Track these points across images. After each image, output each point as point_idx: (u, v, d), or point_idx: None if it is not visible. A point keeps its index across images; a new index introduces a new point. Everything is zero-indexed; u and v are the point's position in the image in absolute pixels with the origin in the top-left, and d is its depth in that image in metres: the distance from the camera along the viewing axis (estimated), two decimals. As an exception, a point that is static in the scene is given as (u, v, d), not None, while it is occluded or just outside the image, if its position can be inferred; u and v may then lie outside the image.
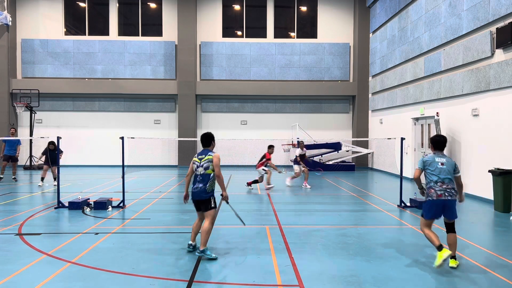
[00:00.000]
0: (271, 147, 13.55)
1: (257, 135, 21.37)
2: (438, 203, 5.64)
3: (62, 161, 10.54)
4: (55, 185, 12.80)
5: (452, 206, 5.65)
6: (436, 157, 5.85)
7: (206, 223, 6.04)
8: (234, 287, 4.94)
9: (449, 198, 5.61)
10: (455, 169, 5.79)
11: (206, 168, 6.04)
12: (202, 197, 6.08)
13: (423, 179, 5.99)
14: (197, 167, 6.09)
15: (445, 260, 5.29)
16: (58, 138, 9.91)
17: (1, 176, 14.82)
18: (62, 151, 13.17)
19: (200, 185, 6.04)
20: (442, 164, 5.76)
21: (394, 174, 16.75)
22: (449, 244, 5.63)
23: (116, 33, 21.53)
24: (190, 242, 6.30)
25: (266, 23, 21.75)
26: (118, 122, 21.53)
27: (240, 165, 19.54)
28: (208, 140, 6.27)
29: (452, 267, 5.52)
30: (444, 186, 5.64)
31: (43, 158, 14.69)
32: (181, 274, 5.31)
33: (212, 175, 6.06)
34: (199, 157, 6.15)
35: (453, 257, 5.55)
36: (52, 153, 13.72)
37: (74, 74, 21.30)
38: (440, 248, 5.39)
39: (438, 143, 5.95)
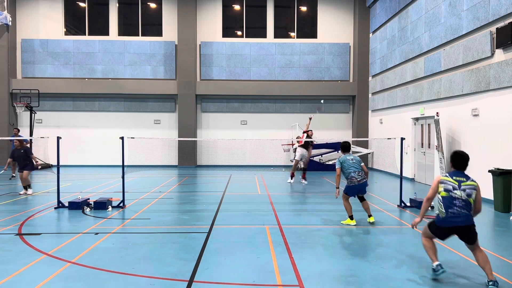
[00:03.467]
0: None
1: (257, 135, 21.38)
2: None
3: (62, 161, 10.50)
4: (23, 194, 11.66)
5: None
6: (347, 156, 8.27)
7: (482, 252, 5.08)
8: (234, 287, 4.94)
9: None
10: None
11: (469, 195, 5.12)
12: (466, 223, 5.03)
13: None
14: (454, 188, 5.11)
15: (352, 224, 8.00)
16: (58, 138, 9.91)
17: (14, 175, 15.05)
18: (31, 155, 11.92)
19: (462, 211, 5.01)
20: (352, 159, 8.21)
21: (394, 174, 16.75)
22: (366, 209, 8.45)
23: (116, 33, 21.53)
24: (437, 263, 5.19)
25: (266, 23, 21.75)
26: (118, 122, 21.53)
27: (240, 165, 19.54)
28: (460, 160, 5.30)
29: (370, 222, 8.25)
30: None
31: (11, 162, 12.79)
32: (181, 274, 5.31)
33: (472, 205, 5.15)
34: (454, 178, 5.19)
35: (369, 216, 8.37)
36: (18, 153, 11.92)
37: (74, 74, 21.30)
38: (351, 217, 8.22)
39: (346, 148, 8.45)
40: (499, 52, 10.56)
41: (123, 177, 10.24)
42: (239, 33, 22.08)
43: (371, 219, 8.30)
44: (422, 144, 15.18)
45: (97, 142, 21.31)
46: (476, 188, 5.18)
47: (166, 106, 21.68)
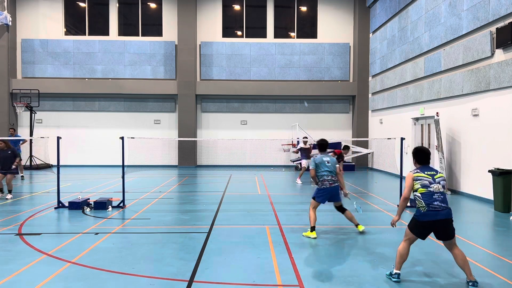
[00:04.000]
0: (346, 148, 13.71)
1: (257, 135, 21.37)
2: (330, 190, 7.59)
3: (62, 161, 10.49)
4: (10, 198, 10.94)
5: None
6: (323, 157, 7.63)
7: (460, 251, 5.11)
8: (234, 287, 4.94)
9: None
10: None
11: (444, 187, 5.19)
12: (446, 217, 5.07)
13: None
14: (430, 183, 5.14)
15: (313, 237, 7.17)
16: (58, 138, 9.91)
17: (22, 175, 15.12)
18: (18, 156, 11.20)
19: (442, 204, 5.09)
20: (328, 162, 7.59)
21: (394, 174, 16.75)
22: (350, 218, 7.71)
23: (116, 33, 21.53)
24: (397, 271, 5.20)
25: (266, 23, 21.74)
26: (118, 122, 21.53)
27: (240, 165, 19.54)
28: (425, 156, 5.36)
29: (360, 232, 7.57)
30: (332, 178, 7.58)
31: None
32: (181, 274, 5.31)
33: None
34: (426, 173, 5.22)
35: (357, 225, 7.69)
36: (5, 154, 11.10)
37: (74, 74, 21.30)
38: (313, 229, 7.28)
39: (324, 146, 7.86)
40: (499, 52, 10.56)
41: (123, 177, 10.24)
42: (239, 33, 22.08)
43: (360, 228, 7.62)
44: (422, 144, 15.18)
45: (97, 142, 21.31)
46: (445, 179, 5.44)
47: (166, 106, 21.68)
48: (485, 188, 10.84)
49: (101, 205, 9.52)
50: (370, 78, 20.94)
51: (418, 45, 15.09)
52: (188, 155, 20.97)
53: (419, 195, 5.11)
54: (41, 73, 21.25)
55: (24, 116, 20.94)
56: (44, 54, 21.23)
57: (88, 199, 9.98)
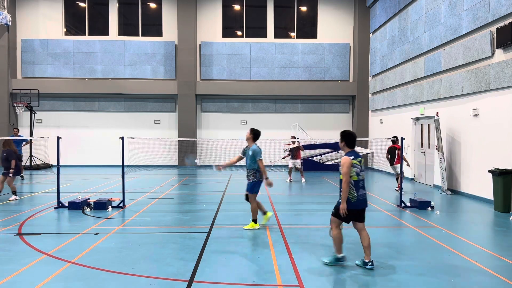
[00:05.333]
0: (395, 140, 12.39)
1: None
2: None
3: (62, 161, 10.48)
4: (12, 199, 10.80)
5: None
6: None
7: (367, 234, 5.57)
8: (234, 287, 4.94)
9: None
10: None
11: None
12: (367, 205, 5.54)
13: None
14: (360, 171, 5.42)
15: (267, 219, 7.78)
16: (58, 138, 9.91)
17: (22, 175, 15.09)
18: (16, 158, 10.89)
19: (365, 192, 5.47)
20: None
21: (394, 174, 16.74)
22: (259, 207, 7.84)
23: (116, 33, 21.53)
24: (342, 254, 5.62)
25: (266, 23, 21.74)
26: (118, 122, 21.53)
27: (240, 165, 19.50)
28: (355, 139, 5.66)
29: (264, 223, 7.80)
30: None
31: None
32: (181, 274, 5.31)
33: None
34: (357, 159, 5.46)
35: (264, 213, 7.88)
36: (4, 156, 10.85)
37: (74, 74, 21.30)
38: (265, 213, 7.84)
39: (258, 135, 7.84)
40: (499, 52, 10.56)
41: (123, 177, 10.24)
42: (239, 33, 22.08)
43: (265, 219, 7.83)
44: (422, 144, 15.18)
45: (97, 142, 21.31)
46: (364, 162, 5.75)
47: (166, 106, 21.68)
48: (485, 188, 10.84)
49: (101, 205, 9.52)
50: (370, 78, 20.94)
51: (418, 45, 15.09)
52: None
53: (353, 182, 5.36)
54: (41, 73, 21.24)
55: (24, 116, 20.94)
56: (44, 54, 21.23)
57: (88, 199, 9.98)
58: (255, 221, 7.73)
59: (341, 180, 5.41)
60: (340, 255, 5.59)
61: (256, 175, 7.66)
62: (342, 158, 5.49)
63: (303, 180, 15.25)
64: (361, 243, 5.57)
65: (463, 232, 7.74)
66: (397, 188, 12.62)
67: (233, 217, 8.86)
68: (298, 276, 5.25)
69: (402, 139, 10.63)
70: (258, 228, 7.69)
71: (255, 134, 7.85)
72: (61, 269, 5.46)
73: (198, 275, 5.27)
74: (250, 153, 7.67)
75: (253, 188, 7.71)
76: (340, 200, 5.46)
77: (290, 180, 15.22)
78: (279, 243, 6.79)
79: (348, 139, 5.60)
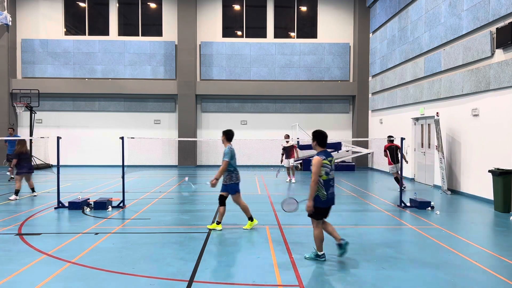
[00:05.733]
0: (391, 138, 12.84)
1: (257, 135, 21.37)
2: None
3: (62, 161, 10.49)
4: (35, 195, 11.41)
5: None
6: (234, 150, 7.56)
7: (330, 224, 5.98)
8: (234, 287, 4.94)
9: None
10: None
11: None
12: (334, 203, 5.81)
13: None
14: (330, 170, 5.63)
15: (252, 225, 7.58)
16: (58, 138, 9.91)
17: (12, 176, 14.91)
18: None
19: (334, 190, 5.74)
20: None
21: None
22: (221, 212, 7.68)
23: (116, 33, 21.53)
24: (322, 252, 5.88)
25: (266, 23, 21.75)
26: (118, 122, 21.53)
27: (240, 165, 19.47)
28: (326, 138, 5.84)
29: (248, 228, 7.60)
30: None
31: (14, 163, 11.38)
32: (181, 274, 5.31)
33: None
34: (328, 159, 5.64)
35: (249, 218, 7.72)
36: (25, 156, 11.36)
37: (74, 74, 21.30)
38: (251, 219, 7.71)
39: (231, 136, 7.72)
40: (499, 52, 10.56)
41: (123, 177, 10.24)
42: (239, 33, 22.08)
43: (249, 225, 7.70)
44: (422, 144, 15.18)
45: (97, 142, 21.31)
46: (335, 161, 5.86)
47: (166, 106, 21.68)
48: (485, 188, 10.85)
49: (101, 205, 9.52)
50: (370, 78, 20.94)
51: (418, 45, 15.09)
52: (188, 155, 20.96)
53: (322, 181, 5.58)
54: (41, 73, 21.25)
55: (24, 116, 20.94)
56: (44, 54, 21.23)
57: (88, 199, 9.98)
58: (250, 218, 7.76)
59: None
60: (320, 253, 5.83)
61: (232, 176, 7.55)
62: (313, 157, 5.65)
63: (293, 180, 15.01)
64: (327, 231, 5.89)
65: (463, 232, 7.74)
66: (403, 188, 12.33)
67: (233, 217, 8.86)
68: (298, 276, 5.25)
69: (402, 139, 10.63)
70: (257, 223, 7.79)
71: (226, 135, 7.73)
72: (61, 269, 5.46)
73: (198, 275, 5.27)
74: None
75: (232, 190, 7.61)
76: (306, 200, 5.68)
77: (289, 180, 15.09)
78: (279, 243, 6.79)
79: (319, 138, 5.76)
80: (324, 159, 5.58)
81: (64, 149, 14.31)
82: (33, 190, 11.54)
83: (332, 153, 20.07)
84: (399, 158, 11.94)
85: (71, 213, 9.20)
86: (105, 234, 7.32)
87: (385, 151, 13.07)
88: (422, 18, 14.79)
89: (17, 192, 11.01)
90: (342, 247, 5.80)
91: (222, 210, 7.67)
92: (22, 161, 11.20)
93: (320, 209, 5.69)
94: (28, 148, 11.61)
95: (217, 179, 7.40)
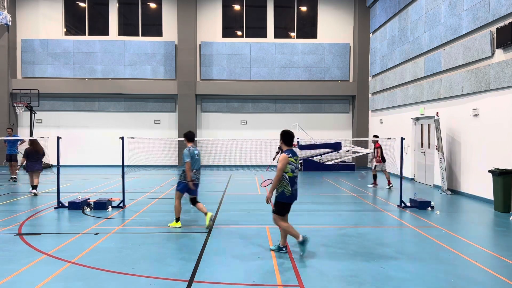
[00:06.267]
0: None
1: (257, 135, 21.37)
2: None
3: (62, 161, 10.50)
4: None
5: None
6: (195, 150, 7.86)
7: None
8: (234, 287, 4.94)
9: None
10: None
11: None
12: (296, 198, 6.17)
13: None
14: (295, 168, 5.98)
15: (211, 219, 7.73)
16: (58, 138, 9.91)
17: (12, 176, 14.92)
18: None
19: (297, 186, 6.06)
20: (197, 155, 7.86)
21: (394, 174, 16.74)
22: (200, 209, 7.89)
23: (116, 33, 21.53)
24: (284, 245, 6.22)
25: (266, 23, 21.75)
26: (118, 122, 21.53)
27: (240, 165, 19.53)
28: (292, 138, 6.20)
29: (209, 223, 7.67)
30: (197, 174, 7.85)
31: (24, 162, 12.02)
32: (181, 274, 5.31)
33: None
34: (294, 157, 6.00)
35: (206, 213, 7.79)
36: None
37: (74, 74, 21.30)
38: (177, 220, 7.84)
39: (191, 137, 7.95)
40: (499, 52, 10.56)
41: (123, 177, 10.24)
42: (239, 33, 22.08)
43: (209, 215, 7.77)
44: (422, 144, 15.18)
45: (97, 142, 21.31)
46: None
47: (166, 106, 21.68)
48: (485, 188, 10.85)
49: (101, 205, 9.52)
50: (370, 78, 20.94)
51: (418, 45, 15.09)
52: (188, 155, 20.93)
53: (288, 178, 5.89)
54: (41, 73, 21.24)
55: (24, 116, 20.94)
56: (44, 54, 21.23)
57: (88, 199, 9.98)
58: (177, 219, 7.91)
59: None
60: (282, 246, 6.20)
61: (181, 176, 7.87)
62: (280, 155, 6.02)
63: None
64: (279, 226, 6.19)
65: (463, 232, 7.74)
66: (390, 186, 13.62)
67: (233, 217, 8.86)
68: (298, 276, 5.25)
69: (402, 139, 10.64)
70: (180, 227, 7.83)
71: (186, 136, 8.04)
72: (61, 269, 5.46)
73: (198, 275, 5.27)
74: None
75: (178, 186, 7.92)
76: (276, 195, 6.00)
77: None
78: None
79: (285, 138, 6.14)
80: (290, 157, 5.94)
81: (64, 149, 14.27)
82: (33, 187, 11.76)
83: (331, 153, 19.99)
84: (384, 157, 13.71)
85: (71, 213, 9.20)
86: (105, 234, 7.32)
87: (378, 148, 13.77)
88: (422, 18, 14.79)
89: (34, 187, 11.72)
90: (304, 236, 6.07)
91: (198, 207, 7.98)
92: (33, 160, 11.72)
93: (284, 204, 6.02)
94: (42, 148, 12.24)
95: (189, 181, 7.70)
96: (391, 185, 13.62)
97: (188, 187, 7.76)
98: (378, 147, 13.73)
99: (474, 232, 7.87)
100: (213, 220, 7.91)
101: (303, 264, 5.72)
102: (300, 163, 19.76)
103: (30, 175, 11.85)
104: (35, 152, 11.79)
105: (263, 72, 21.51)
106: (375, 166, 13.78)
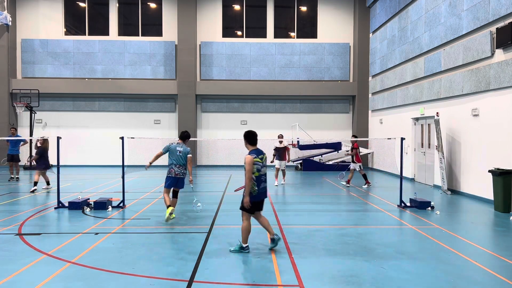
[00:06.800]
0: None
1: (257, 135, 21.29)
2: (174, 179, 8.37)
3: (62, 161, 10.51)
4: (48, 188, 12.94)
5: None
6: (177, 146, 8.36)
7: (264, 217, 6.42)
8: (234, 287, 4.94)
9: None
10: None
11: (266, 167, 6.32)
12: (266, 196, 6.41)
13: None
14: (261, 167, 6.19)
15: (171, 213, 8.03)
16: (58, 138, 9.91)
17: (12, 176, 14.91)
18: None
19: (265, 184, 6.27)
20: (180, 152, 8.35)
21: (394, 174, 16.75)
22: (172, 202, 8.42)
23: (116, 33, 21.54)
24: (246, 244, 6.27)
25: (266, 23, 21.75)
26: (118, 122, 21.53)
27: (240, 165, 19.51)
28: (256, 138, 6.41)
29: (170, 215, 8.07)
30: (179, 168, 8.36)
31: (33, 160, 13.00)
32: (181, 274, 5.31)
33: None
34: (259, 156, 6.21)
35: (169, 206, 8.16)
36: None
37: (74, 74, 21.30)
38: (168, 207, 8.12)
39: (184, 137, 8.55)
40: (499, 52, 10.56)
41: (123, 177, 10.24)
42: (239, 33, 22.08)
43: (168, 212, 8.10)
44: (422, 144, 15.18)
45: (97, 142, 21.31)
46: (267, 158, 6.37)
47: (166, 106, 21.68)
48: (485, 188, 10.85)
49: (101, 205, 9.52)
50: (370, 78, 20.94)
51: (418, 45, 15.09)
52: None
53: (254, 177, 6.04)
54: (41, 73, 21.24)
55: (24, 116, 20.94)
56: (44, 54, 21.23)
57: (88, 199, 9.98)
58: (168, 206, 8.28)
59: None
60: (245, 245, 6.22)
61: (168, 170, 8.60)
62: (245, 156, 6.14)
63: (283, 181, 14.29)
64: (263, 225, 6.34)
65: (463, 232, 7.74)
66: (347, 184, 14.08)
67: (233, 217, 8.85)
68: (298, 276, 5.25)
69: (402, 139, 10.64)
70: (171, 213, 8.21)
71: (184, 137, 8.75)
72: (61, 269, 5.46)
73: (198, 275, 5.27)
74: (187, 150, 8.59)
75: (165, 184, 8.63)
76: (244, 194, 6.13)
77: (277, 183, 14.05)
78: (279, 243, 6.77)
79: (249, 138, 6.33)
80: (255, 157, 6.09)
81: (64, 149, 14.26)
82: (36, 184, 12.44)
83: (332, 153, 19.98)
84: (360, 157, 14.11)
85: (71, 213, 9.20)
86: (105, 234, 7.32)
87: (357, 149, 14.02)
88: (422, 18, 14.79)
89: (48, 183, 12.88)
90: (274, 241, 6.25)
91: (174, 201, 8.57)
92: (43, 158, 12.46)
93: (252, 203, 6.10)
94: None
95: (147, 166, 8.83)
96: (349, 185, 14.02)
97: (173, 182, 8.40)
98: (357, 147, 13.97)
99: (474, 232, 7.86)
100: (170, 214, 8.11)
101: (303, 264, 5.72)
102: (300, 163, 19.76)
103: (41, 174, 12.65)
104: (47, 151, 12.67)
105: (263, 72, 21.51)
106: (360, 165, 13.91)
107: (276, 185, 13.94)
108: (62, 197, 9.93)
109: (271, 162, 14.23)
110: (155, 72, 21.38)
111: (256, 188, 6.07)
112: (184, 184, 8.62)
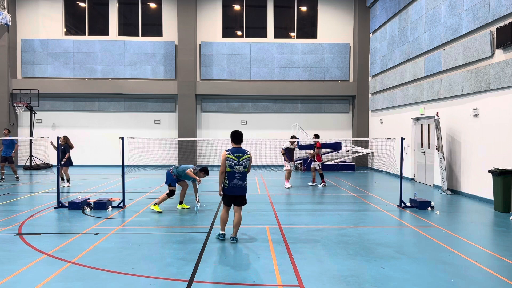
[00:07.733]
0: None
1: (257, 135, 21.35)
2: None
3: (62, 161, 10.59)
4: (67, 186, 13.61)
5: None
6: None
7: (239, 216, 6.84)
8: (234, 287, 4.94)
9: None
10: None
11: (245, 167, 6.70)
12: (244, 193, 6.78)
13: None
14: (235, 165, 6.59)
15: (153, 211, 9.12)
16: (58, 138, 9.92)
17: (3, 177, 14.81)
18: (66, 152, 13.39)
19: (240, 182, 6.66)
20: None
21: (394, 174, 16.75)
22: (161, 199, 9.35)
23: (116, 33, 21.53)
24: (222, 232, 6.94)
25: (266, 23, 21.75)
26: (118, 122, 21.53)
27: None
28: (241, 138, 6.78)
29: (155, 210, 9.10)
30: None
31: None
32: (181, 274, 5.31)
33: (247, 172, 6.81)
34: (235, 155, 6.60)
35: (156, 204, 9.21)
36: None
37: (74, 74, 21.30)
38: (155, 204, 9.23)
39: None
40: (499, 52, 10.56)
41: (123, 177, 10.24)
42: (239, 33, 22.08)
43: (157, 208, 9.23)
44: (422, 144, 15.18)
45: (97, 142, 21.31)
46: (250, 159, 6.80)
47: (166, 106, 21.68)
48: (485, 188, 10.85)
49: (101, 205, 9.52)
50: (370, 78, 20.94)
51: (418, 45, 15.09)
52: (188, 155, 20.96)
53: (227, 173, 6.61)
54: (41, 73, 21.24)
55: (24, 116, 20.94)
56: (44, 54, 21.23)
57: (88, 199, 9.98)
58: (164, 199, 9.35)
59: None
60: (221, 232, 6.92)
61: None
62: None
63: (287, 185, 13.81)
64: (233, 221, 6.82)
65: (463, 232, 7.74)
66: (312, 183, 14.43)
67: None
68: (298, 276, 5.25)
69: (402, 139, 10.64)
70: (160, 212, 9.16)
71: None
72: (61, 269, 5.46)
73: (198, 275, 5.27)
74: None
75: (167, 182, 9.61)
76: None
77: (288, 186, 13.75)
78: (279, 243, 6.79)
79: (231, 136, 6.77)
80: (228, 154, 6.59)
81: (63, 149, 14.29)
82: (66, 179, 13.46)
83: (332, 153, 19.94)
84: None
85: (71, 213, 9.20)
86: (105, 234, 7.32)
87: (319, 148, 14.28)
88: (422, 18, 14.79)
89: (68, 180, 13.53)
90: (232, 239, 6.79)
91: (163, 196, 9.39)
92: (63, 154, 13.10)
93: (224, 195, 6.73)
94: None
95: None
96: (314, 183, 14.36)
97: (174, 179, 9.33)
98: (319, 147, 14.23)
99: (474, 232, 7.87)
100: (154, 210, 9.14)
101: (303, 264, 5.72)
102: (300, 163, 19.76)
103: (65, 171, 13.40)
104: (69, 147, 13.45)
105: (263, 72, 21.51)
106: (319, 164, 14.24)
107: (288, 187, 13.59)
108: (62, 197, 9.94)
109: (286, 163, 13.67)
110: (155, 72, 21.37)
111: (227, 183, 6.61)
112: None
